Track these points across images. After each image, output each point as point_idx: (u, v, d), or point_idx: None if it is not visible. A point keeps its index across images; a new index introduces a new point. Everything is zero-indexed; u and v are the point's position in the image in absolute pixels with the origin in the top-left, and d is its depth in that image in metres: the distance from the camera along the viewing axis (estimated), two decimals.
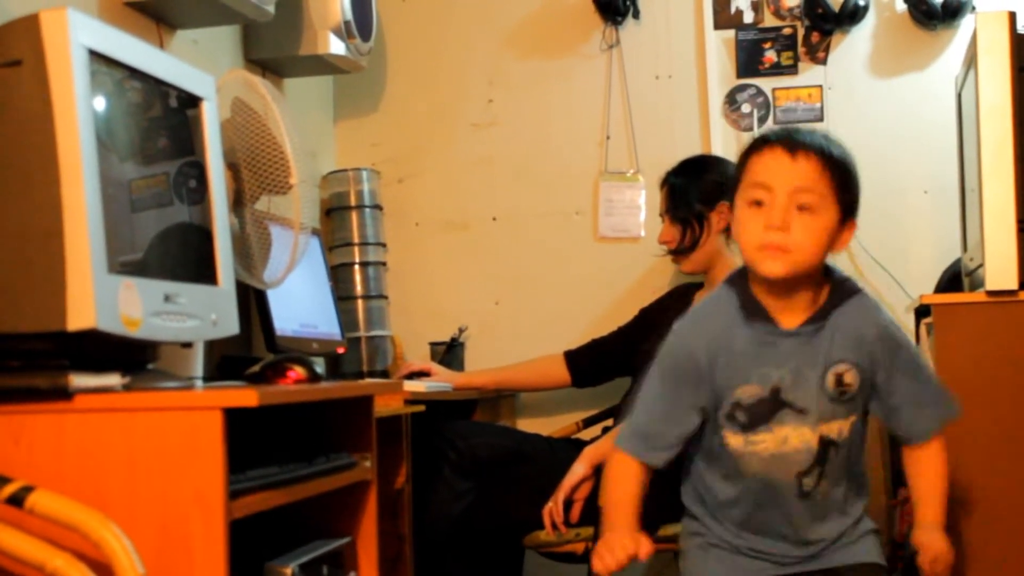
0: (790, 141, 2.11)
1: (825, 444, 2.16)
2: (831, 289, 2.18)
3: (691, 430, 2.21)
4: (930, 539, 2.21)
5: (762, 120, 3.89)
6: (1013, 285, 2.73)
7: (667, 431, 2.22)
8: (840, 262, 3.73)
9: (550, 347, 3.69)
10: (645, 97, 4.00)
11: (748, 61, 3.92)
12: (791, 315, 2.16)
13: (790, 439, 2.15)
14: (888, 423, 2.24)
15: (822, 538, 2.21)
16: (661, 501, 2.95)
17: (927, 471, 2.26)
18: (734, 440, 2.17)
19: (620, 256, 3.98)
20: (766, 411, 2.15)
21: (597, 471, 3.05)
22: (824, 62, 3.88)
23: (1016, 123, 2.74)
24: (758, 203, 2.10)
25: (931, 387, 2.24)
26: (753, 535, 2.22)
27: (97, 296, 1.84)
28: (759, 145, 2.15)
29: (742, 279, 2.20)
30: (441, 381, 3.48)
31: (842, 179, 2.12)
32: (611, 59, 4.01)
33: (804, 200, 2.08)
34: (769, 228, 2.08)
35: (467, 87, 4.11)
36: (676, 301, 3.46)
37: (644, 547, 2.15)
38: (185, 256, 2.22)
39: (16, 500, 1.75)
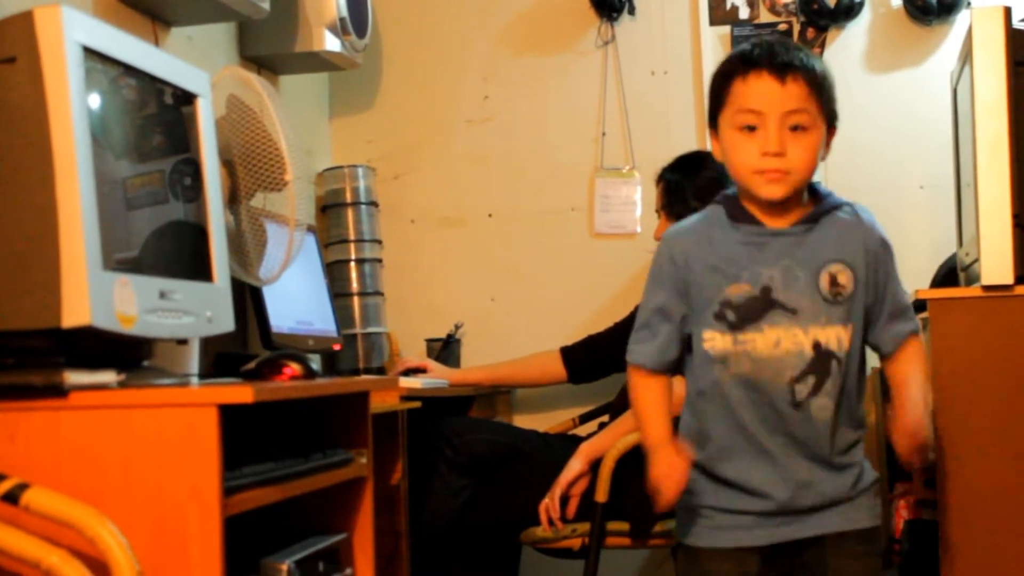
0: (777, 65, 2.12)
1: (822, 352, 2.13)
2: (818, 197, 2.20)
3: (679, 329, 2.20)
4: (903, 428, 2.13)
5: None
6: (1009, 280, 2.73)
7: (659, 327, 2.21)
8: None
9: (546, 343, 3.69)
10: (641, 93, 4.00)
11: None
12: (780, 219, 2.17)
13: (782, 342, 2.12)
14: (871, 333, 2.22)
15: (814, 483, 2.15)
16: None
17: (905, 362, 2.22)
18: (721, 341, 2.14)
19: (616, 252, 3.98)
20: (756, 310, 2.13)
21: (593, 467, 3.06)
22: (819, 57, 3.88)
23: (1011, 118, 2.74)
24: (750, 128, 2.12)
25: (906, 299, 2.26)
26: (745, 473, 2.17)
27: (92, 293, 1.84)
28: (742, 68, 2.14)
29: (728, 195, 2.22)
30: (437, 378, 3.48)
31: (826, 93, 2.16)
32: (607, 55, 4.01)
33: (797, 121, 2.11)
34: (766, 154, 2.10)
35: (463, 83, 4.11)
36: None
37: (684, 464, 2.13)
38: (180, 253, 2.21)
39: (11, 497, 1.75)
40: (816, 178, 2.19)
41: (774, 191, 2.11)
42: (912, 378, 2.20)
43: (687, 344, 2.21)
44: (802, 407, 2.14)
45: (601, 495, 2.99)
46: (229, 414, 1.86)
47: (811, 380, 2.13)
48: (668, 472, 2.14)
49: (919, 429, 2.12)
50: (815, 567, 2.18)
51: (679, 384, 2.28)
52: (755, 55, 2.15)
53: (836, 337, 2.14)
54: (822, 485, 2.16)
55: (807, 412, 2.14)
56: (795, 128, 2.11)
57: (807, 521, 2.17)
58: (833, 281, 2.14)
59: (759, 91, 2.12)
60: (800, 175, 2.12)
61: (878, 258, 2.20)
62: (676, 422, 2.25)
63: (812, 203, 2.19)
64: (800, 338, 2.13)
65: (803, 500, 2.16)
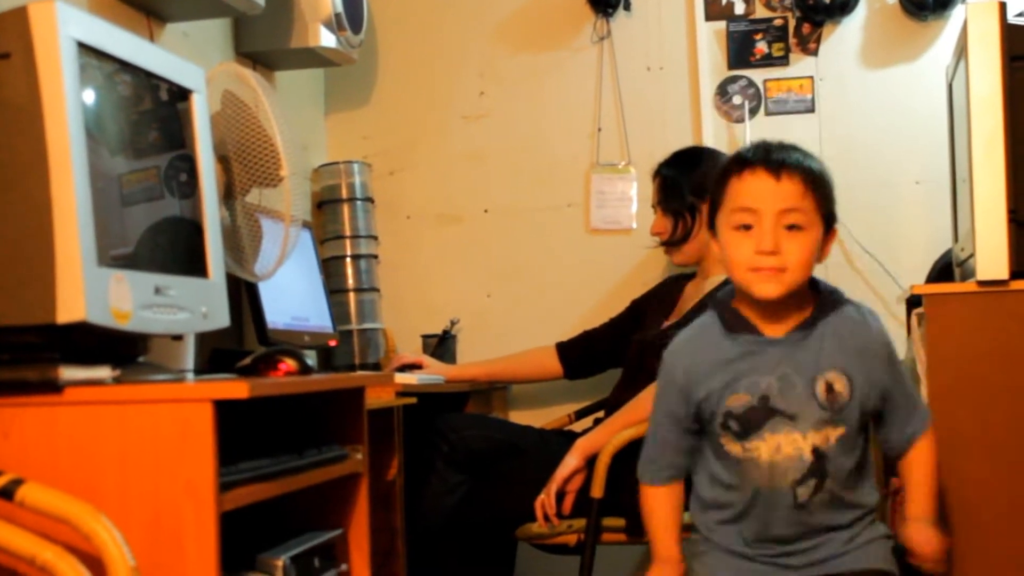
0: (772, 162, 2.13)
1: (819, 456, 2.16)
2: (818, 300, 2.20)
3: (688, 446, 2.27)
4: (918, 530, 2.23)
5: (753, 111, 3.89)
6: (1004, 275, 2.73)
7: (667, 451, 2.28)
8: (832, 253, 3.75)
9: (542, 339, 3.69)
10: (636, 89, 4.00)
11: (739, 52, 3.93)
12: (776, 325, 2.19)
13: (783, 447, 2.15)
14: (880, 434, 2.27)
15: (824, 557, 2.21)
16: None
17: (917, 466, 2.28)
18: (733, 447, 2.19)
19: (612, 248, 3.98)
20: (757, 419, 2.16)
21: (589, 463, 3.06)
22: (815, 53, 3.88)
23: (1007, 113, 2.74)
24: (746, 227, 2.13)
25: (914, 395, 2.29)
26: (757, 545, 2.22)
27: (87, 289, 1.84)
28: (739, 168, 2.16)
29: (723, 300, 2.23)
30: (433, 373, 3.48)
31: (824, 193, 2.16)
32: (602, 51, 4.01)
33: (792, 220, 2.12)
34: (760, 253, 2.11)
35: (458, 80, 4.11)
36: (667, 292, 3.47)
37: None
38: (176, 249, 2.21)
39: (6, 493, 1.74)
40: None
41: (768, 290, 2.12)
42: (920, 489, 2.27)
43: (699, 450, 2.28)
44: (805, 508, 2.18)
45: (597, 491, 2.99)
46: (224, 410, 1.86)
47: (812, 483, 2.18)
48: None
49: (931, 546, 2.22)
50: None
51: None
52: (751, 154, 2.17)
53: (826, 438, 2.17)
54: (832, 543, 2.21)
55: (810, 511, 2.19)
56: (791, 228, 2.11)
57: (821, 566, 2.21)
58: (829, 389, 2.16)
59: (754, 188, 2.13)
60: (795, 274, 2.12)
61: (878, 361, 2.21)
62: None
63: (812, 303, 2.20)
64: (800, 443, 2.16)
65: (813, 554, 2.21)
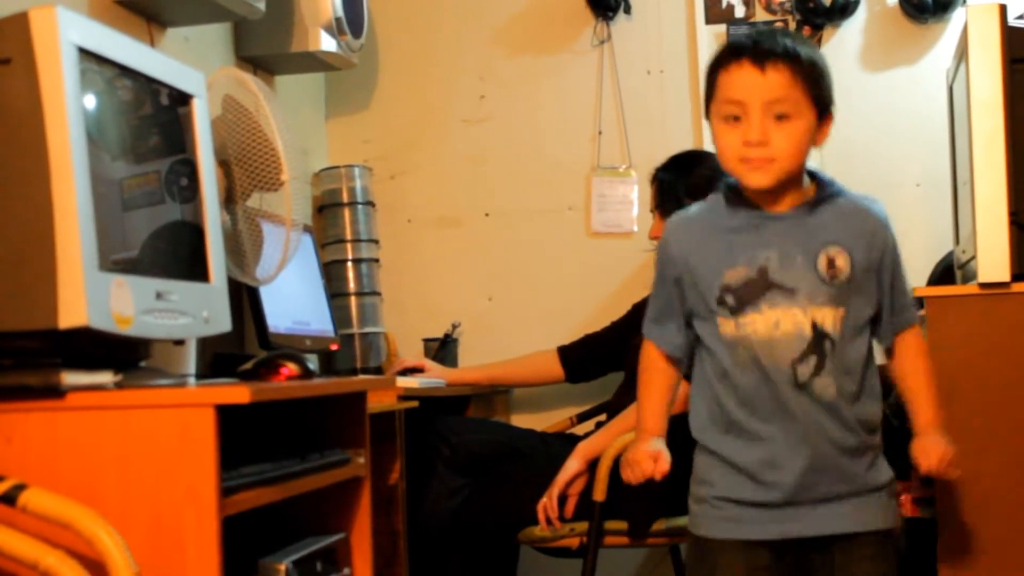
0: (758, 52, 2.13)
1: (819, 332, 2.14)
2: (818, 186, 2.21)
3: (684, 317, 2.26)
4: (931, 442, 2.21)
5: None
6: (1005, 277, 2.73)
7: (668, 320, 2.27)
8: None
9: (543, 342, 3.69)
10: (637, 92, 4.00)
11: None
12: (778, 205, 2.19)
13: (781, 322, 2.13)
14: (876, 324, 2.24)
15: (824, 470, 2.15)
16: (657, 495, 2.96)
17: (911, 372, 2.26)
18: (726, 327, 2.17)
19: (613, 251, 3.98)
20: (755, 292, 2.14)
21: (591, 466, 3.06)
22: (812, 45, 3.87)
23: (1007, 115, 2.74)
24: (734, 118, 2.13)
25: (908, 291, 2.27)
26: (754, 458, 2.17)
27: (88, 294, 1.84)
28: (726, 59, 2.16)
29: (729, 181, 2.23)
30: (434, 377, 3.48)
31: (814, 80, 2.15)
32: (603, 54, 4.02)
33: (779, 110, 2.12)
34: (748, 144, 2.11)
35: (459, 83, 4.11)
36: None
37: (660, 468, 2.21)
38: (177, 254, 2.21)
39: (8, 498, 1.75)
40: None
41: (758, 179, 2.13)
42: (923, 398, 2.26)
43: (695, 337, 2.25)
44: (805, 388, 2.14)
45: (599, 494, 2.99)
46: (226, 414, 1.86)
47: (812, 360, 2.14)
48: (632, 466, 2.23)
49: (944, 455, 2.20)
50: (825, 565, 2.18)
51: (683, 384, 2.31)
52: (739, 45, 2.17)
53: (831, 318, 2.15)
54: (832, 471, 2.16)
55: (811, 393, 2.15)
56: (779, 117, 2.12)
57: (818, 517, 2.17)
58: (830, 263, 2.15)
59: (740, 81, 2.14)
60: (785, 163, 2.13)
61: (880, 246, 2.22)
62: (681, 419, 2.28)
63: (812, 187, 2.21)
64: (799, 318, 2.14)
65: (812, 490, 2.16)
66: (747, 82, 2.12)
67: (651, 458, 2.22)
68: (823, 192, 2.21)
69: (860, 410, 2.18)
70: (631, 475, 2.24)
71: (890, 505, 2.22)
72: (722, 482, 2.21)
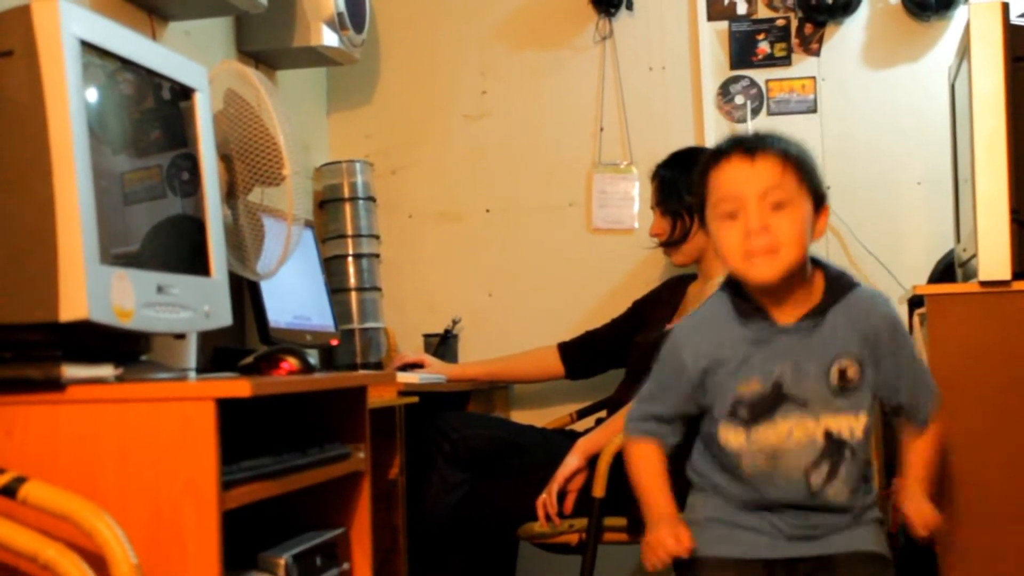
0: (746, 147, 2.14)
1: (833, 440, 2.15)
2: (827, 285, 2.20)
3: (686, 414, 2.26)
4: (915, 506, 2.22)
5: (755, 111, 3.89)
6: (1006, 275, 2.73)
7: (665, 415, 2.27)
8: (834, 254, 3.77)
9: (544, 339, 3.69)
10: (638, 89, 4.00)
11: (741, 52, 3.93)
12: (787, 311, 2.18)
13: (793, 432, 2.14)
14: (890, 408, 2.26)
15: (823, 525, 2.19)
16: None
17: (920, 448, 2.28)
18: (735, 439, 2.18)
19: (614, 248, 3.98)
20: (768, 405, 2.15)
21: (591, 462, 3.06)
22: (817, 53, 3.88)
23: (1009, 114, 2.74)
24: (732, 215, 2.13)
25: (925, 374, 2.28)
26: (754, 512, 2.20)
27: (90, 287, 1.84)
28: (716, 160, 2.18)
29: (735, 282, 2.22)
30: (435, 373, 3.48)
31: (804, 169, 2.15)
32: (604, 51, 4.01)
33: (776, 198, 2.11)
34: (749, 234, 2.11)
35: (460, 79, 4.11)
36: (670, 293, 3.47)
37: (683, 543, 2.18)
38: (178, 247, 2.21)
39: (9, 491, 1.75)
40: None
41: (764, 272, 2.12)
42: (918, 466, 2.28)
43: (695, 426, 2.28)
44: (818, 495, 2.17)
45: (598, 490, 2.99)
46: (227, 408, 1.86)
47: (824, 468, 2.16)
48: (655, 550, 2.20)
49: (926, 518, 2.22)
50: None
51: None
52: (726, 145, 2.19)
53: (848, 426, 2.16)
54: (832, 522, 2.20)
55: (824, 499, 2.17)
56: (776, 207, 2.11)
57: (813, 543, 2.19)
58: (842, 375, 2.16)
59: (732, 176, 2.14)
60: (789, 252, 2.11)
61: (884, 335, 2.19)
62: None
63: (822, 288, 2.19)
64: (811, 427, 2.16)
65: (814, 531, 2.19)
66: (739, 175, 2.13)
67: (673, 536, 2.19)
68: (832, 293, 2.19)
69: (866, 499, 2.23)
70: (655, 559, 2.20)
71: (881, 537, 2.25)
72: (714, 503, 2.24)
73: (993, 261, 2.73)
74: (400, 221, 4.11)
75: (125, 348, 2.07)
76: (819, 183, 2.18)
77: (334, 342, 3.50)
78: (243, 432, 2.02)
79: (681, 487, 2.31)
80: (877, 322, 2.19)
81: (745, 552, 2.19)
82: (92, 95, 1.95)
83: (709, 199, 2.18)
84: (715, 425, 2.20)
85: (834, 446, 2.15)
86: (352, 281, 3.84)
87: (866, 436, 2.18)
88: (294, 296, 3.25)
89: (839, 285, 2.19)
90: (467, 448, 3.22)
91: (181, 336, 2.33)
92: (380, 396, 2.75)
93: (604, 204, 4.00)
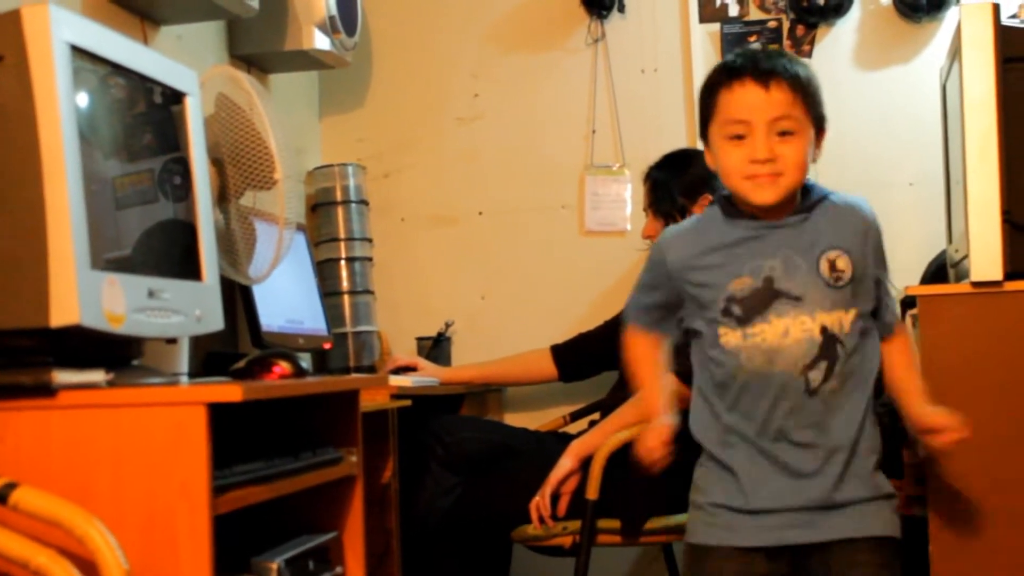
0: (760, 71, 2.15)
1: (828, 337, 2.16)
2: (803, 193, 2.24)
3: (672, 306, 2.29)
4: (929, 415, 2.25)
5: None
6: (998, 276, 2.73)
7: (654, 305, 2.31)
8: None
9: (537, 341, 3.69)
10: (631, 91, 4.00)
11: None
12: (774, 214, 2.21)
13: (791, 330, 2.15)
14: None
15: (825, 475, 2.17)
16: (651, 494, 2.96)
17: (899, 363, 2.30)
18: (732, 337, 2.17)
19: (606, 250, 3.99)
20: (761, 301, 2.16)
21: (584, 465, 3.05)
22: (809, 55, 3.88)
23: (1000, 115, 2.74)
24: (738, 136, 2.16)
25: (888, 289, 2.32)
26: (754, 471, 2.18)
27: (80, 292, 1.84)
28: (727, 79, 2.19)
29: (724, 193, 2.26)
30: (428, 376, 3.48)
31: (812, 97, 2.19)
32: (596, 53, 4.02)
33: (783, 127, 2.15)
34: (755, 161, 2.14)
35: (452, 82, 4.11)
36: None
37: (660, 447, 2.23)
38: (169, 252, 2.21)
39: (0, 497, 1.74)
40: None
41: (766, 195, 2.16)
42: (911, 386, 2.30)
43: (690, 335, 2.27)
44: (817, 394, 2.16)
45: (592, 493, 2.99)
46: (219, 413, 1.86)
47: (823, 366, 2.17)
48: (645, 453, 2.23)
49: (932, 422, 2.24)
50: (824, 569, 2.18)
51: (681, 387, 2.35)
52: (739, 64, 2.19)
53: (839, 321, 2.17)
54: (834, 480, 2.17)
55: (823, 398, 2.17)
56: (783, 133, 2.15)
57: (816, 524, 2.17)
58: (832, 267, 2.18)
59: (744, 100, 2.16)
60: (791, 178, 2.16)
61: (873, 243, 2.26)
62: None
63: (800, 196, 2.23)
64: (808, 324, 2.16)
65: (812, 498, 2.16)
66: (751, 101, 2.15)
67: (655, 432, 2.23)
68: (810, 198, 2.23)
69: (867, 436, 2.21)
70: (647, 461, 2.24)
71: (892, 516, 2.23)
72: (718, 489, 2.22)
73: (985, 262, 2.72)
74: (393, 224, 4.11)
75: (116, 353, 2.07)
76: (822, 109, 2.22)
77: (327, 346, 3.50)
78: (235, 436, 2.02)
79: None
80: (865, 220, 2.25)
81: (747, 540, 2.18)
82: (83, 100, 1.95)
83: (716, 117, 2.20)
84: (713, 328, 2.20)
85: (829, 342, 2.16)
86: (345, 284, 3.84)
87: (854, 331, 2.18)
88: (286, 300, 3.25)
89: (816, 192, 2.24)
90: (460, 451, 3.22)
91: (173, 341, 2.33)
92: (373, 399, 2.75)
93: (597, 206, 4.00)
